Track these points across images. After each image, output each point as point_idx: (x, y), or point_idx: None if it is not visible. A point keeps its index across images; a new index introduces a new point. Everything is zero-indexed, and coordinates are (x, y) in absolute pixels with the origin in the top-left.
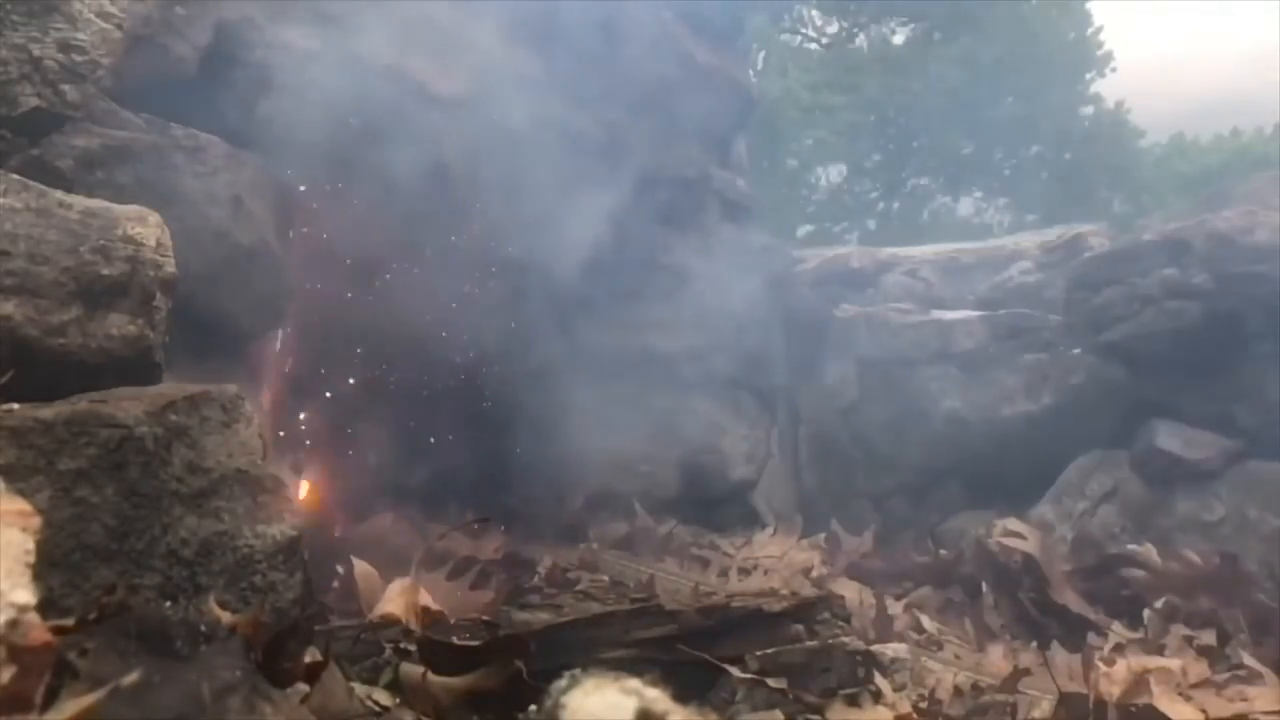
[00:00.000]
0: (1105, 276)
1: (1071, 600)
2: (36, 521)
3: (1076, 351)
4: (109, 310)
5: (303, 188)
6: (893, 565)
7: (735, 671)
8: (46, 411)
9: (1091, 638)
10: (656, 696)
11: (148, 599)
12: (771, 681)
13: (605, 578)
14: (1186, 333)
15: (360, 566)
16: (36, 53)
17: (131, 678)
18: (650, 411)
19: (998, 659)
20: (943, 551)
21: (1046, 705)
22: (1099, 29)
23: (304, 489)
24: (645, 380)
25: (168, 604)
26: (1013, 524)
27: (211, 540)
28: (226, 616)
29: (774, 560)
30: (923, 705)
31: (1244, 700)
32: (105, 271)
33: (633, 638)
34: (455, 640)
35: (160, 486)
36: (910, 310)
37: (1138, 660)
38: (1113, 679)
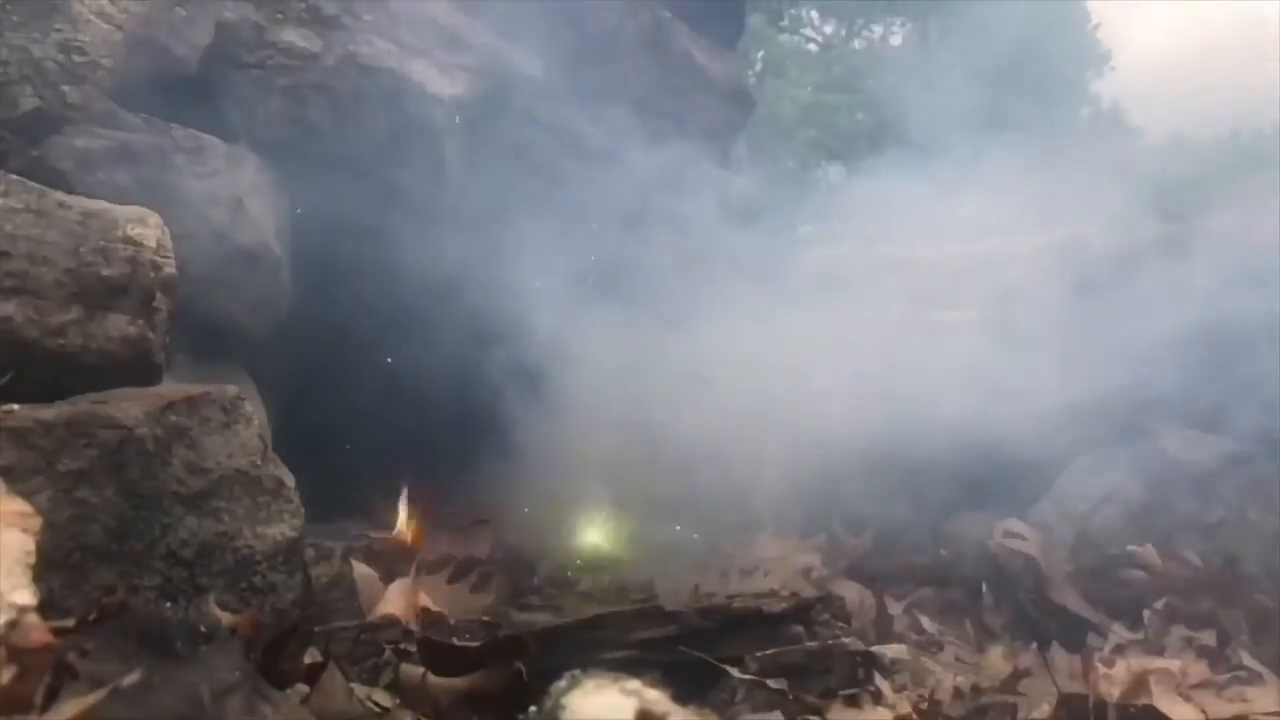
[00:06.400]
0: (1105, 276)
1: (1071, 601)
2: (37, 522)
3: (1076, 351)
4: (109, 311)
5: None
6: (893, 566)
7: (735, 672)
8: (47, 412)
9: (1091, 638)
10: (656, 697)
11: (148, 600)
12: (771, 682)
13: (605, 578)
14: (1186, 333)
15: (359, 568)
16: (37, 54)
17: (131, 678)
18: (650, 412)
19: (998, 660)
20: (943, 552)
21: (1046, 706)
22: (1097, 26)
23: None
24: (644, 381)
25: (168, 605)
26: (1013, 525)
27: (211, 541)
28: (226, 617)
29: (774, 561)
30: (923, 706)
31: (1244, 701)
32: (105, 272)
33: (633, 639)
34: (455, 641)
35: (160, 487)
36: (910, 310)
37: (1138, 661)
38: (1113, 680)
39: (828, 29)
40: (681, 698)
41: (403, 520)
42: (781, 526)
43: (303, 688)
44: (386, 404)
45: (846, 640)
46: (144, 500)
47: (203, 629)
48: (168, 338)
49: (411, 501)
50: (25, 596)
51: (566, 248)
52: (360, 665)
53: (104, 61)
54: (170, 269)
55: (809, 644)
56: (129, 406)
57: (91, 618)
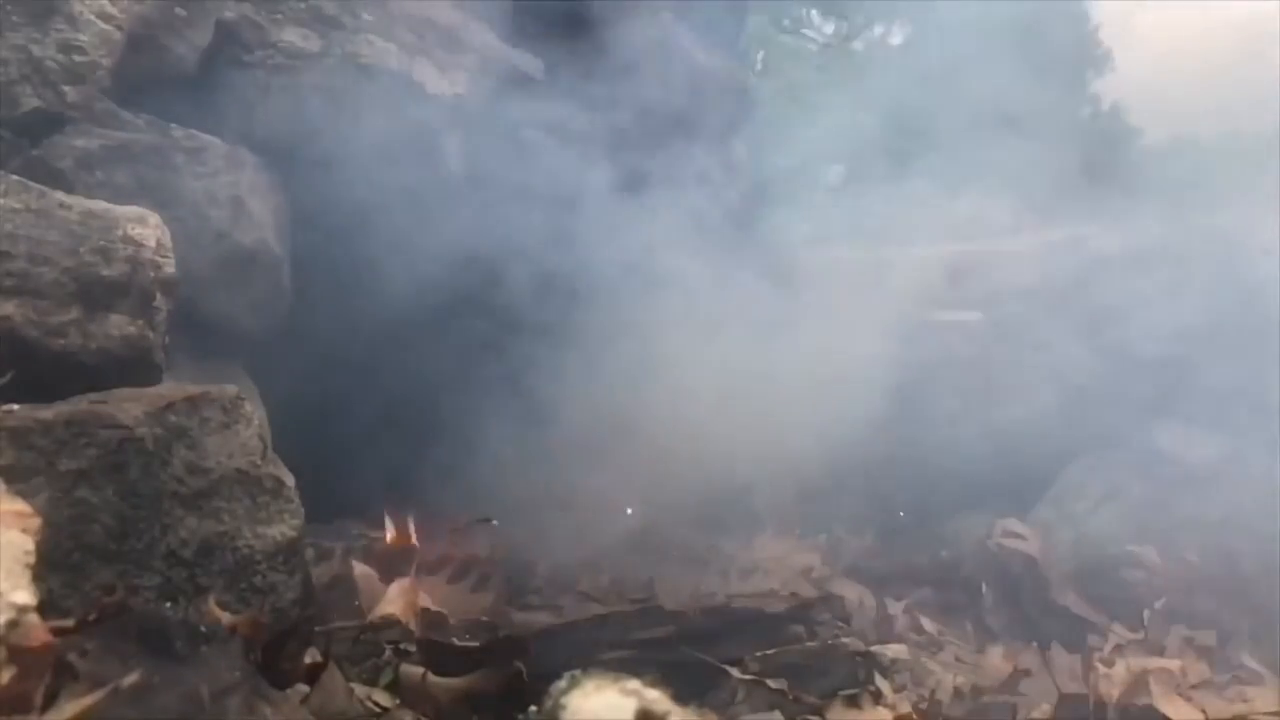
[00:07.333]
0: (1105, 276)
1: (1071, 601)
2: (36, 522)
3: (1076, 351)
4: (109, 311)
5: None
6: (893, 566)
7: (735, 672)
8: (47, 412)
9: (1091, 638)
10: (656, 697)
11: (147, 600)
12: (771, 682)
13: (605, 578)
14: (1186, 333)
15: (360, 568)
16: (37, 54)
17: (131, 679)
18: (651, 414)
19: (998, 660)
20: (943, 552)
21: (1046, 706)
22: (1097, 27)
23: None
24: (645, 383)
25: (167, 605)
26: (1013, 525)
27: (211, 541)
28: (226, 617)
29: (774, 561)
30: (923, 706)
31: (1244, 701)
32: (105, 272)
33: (633, 639)
34: (455, 641)
35: (160, 487)
36: (910, 310)
37: (1138, 661)
38: (1113, 679)
39: (828, 29)
40: (682, 698)
41: (399, 525)
42: (781, 526)
43: (303, 688)
44: (387, 403)
45: (846, 640)
46: (144, 500)
47: (203, 629)
48: (168, 338)
49: (407, 507)
50: (25, 596)
51: (566, 248)
52: (360, 665)
53: (104, 61)
54: (170, 269)
55: (809, 644)
56: (129, 406)
57: (91, 618)
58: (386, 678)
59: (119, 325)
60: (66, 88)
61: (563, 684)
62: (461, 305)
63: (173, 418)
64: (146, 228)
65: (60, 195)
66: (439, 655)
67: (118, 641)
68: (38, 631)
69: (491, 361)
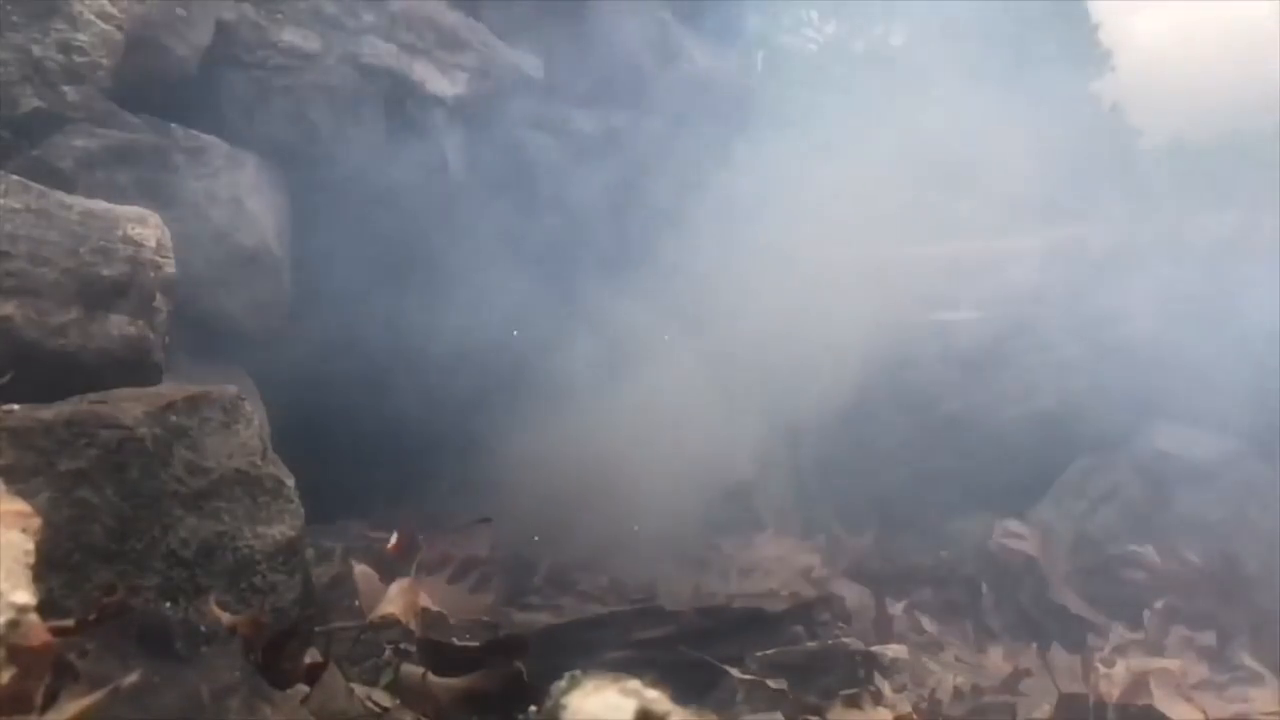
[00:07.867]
0: (1105, 276)
1: (1071, 601)
2: (36, 522)
3: (1077, 351)
4: (109, 311)
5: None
6: (893, 566)
7: (735, 672)
8: (47, 412)
9: (1091, 638)
10: (656, 697)
11: (148, 600)
12: (772, 682)
13: (605, 578)
14: (1186, 333)
15: (360, 568)
16: (37, 54)
17: (131, 679)
18: (650, 411)
19: (998, 660)
20: (943, 552)
21: (1046, 706)
22: (1096, 27)
23: None
24: (643, 380)
25: (168, 605)
26: (1013, 525)
27: (211, 541)
28: (226, 617)
29: (774, 561)
30: (923, 706)
31: (1244, 701)
32: (105, 272)
33: (633, 639)
34: (455, 641)
35: (160, 487)
36: (910, 310)
37: (1138, 661)
38: (1113, 680)
39: (828, 29)
40: (681, 698)
41: (405, 536)
42: (781, 526)
43: (303, 688)
44: (387, 404)
45: (846, 640)
46: (144, 500)
47: (203, 629)
48: (168, 338)
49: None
50: (25, 596)
51: (566, 250)
52: (360, 665)
53: (104, 61)
54: (170, 269)
55: (809, 644)
56: (129, 406)
57: (91, 618)
58: (386, 678)
59: (119, 325)
60: (66, 88)
61: (563, 684)
62: (462, 304)
63: (173, 418)
64: (146, 228)
65: (60, 195)
66: (439, 655)
67: (118, 641)
68: (38, 631)
69: (493, 361)
